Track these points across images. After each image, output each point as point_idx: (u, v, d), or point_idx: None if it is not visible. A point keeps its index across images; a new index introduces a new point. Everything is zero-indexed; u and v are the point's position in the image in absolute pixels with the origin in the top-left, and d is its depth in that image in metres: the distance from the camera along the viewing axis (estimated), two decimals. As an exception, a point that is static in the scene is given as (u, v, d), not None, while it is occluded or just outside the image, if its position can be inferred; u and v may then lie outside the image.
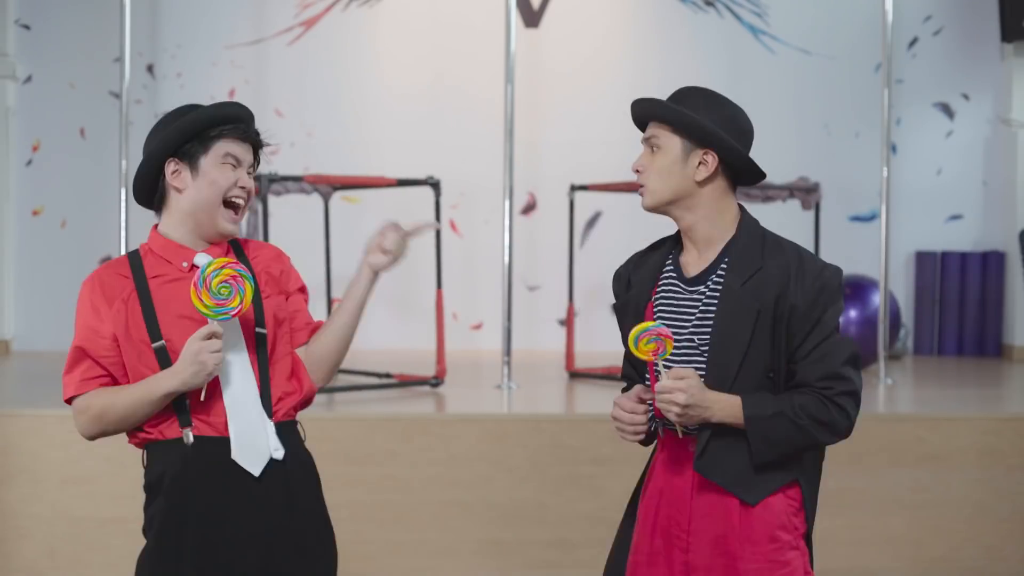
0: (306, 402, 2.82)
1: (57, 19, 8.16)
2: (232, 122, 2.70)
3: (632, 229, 8.48)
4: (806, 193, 6.63)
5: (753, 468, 2.55)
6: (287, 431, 2.72)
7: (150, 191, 2.75)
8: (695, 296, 2.62)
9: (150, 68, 8.17)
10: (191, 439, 2.63)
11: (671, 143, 2.61)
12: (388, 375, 6.33)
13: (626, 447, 2.78)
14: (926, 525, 5.11)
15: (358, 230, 8.72)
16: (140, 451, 2.73)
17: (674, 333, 2.56)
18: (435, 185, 6.45)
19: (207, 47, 8.21)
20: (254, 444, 2.66)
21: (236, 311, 2.57)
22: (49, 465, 5.01)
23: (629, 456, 5.09)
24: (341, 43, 8.29)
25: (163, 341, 2.63)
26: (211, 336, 2.56)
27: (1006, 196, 8.24)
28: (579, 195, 7.04)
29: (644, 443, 2.73)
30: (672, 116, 2.60)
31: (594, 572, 2.70)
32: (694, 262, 2.66)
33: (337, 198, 7.68)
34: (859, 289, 7.37)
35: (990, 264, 8.20)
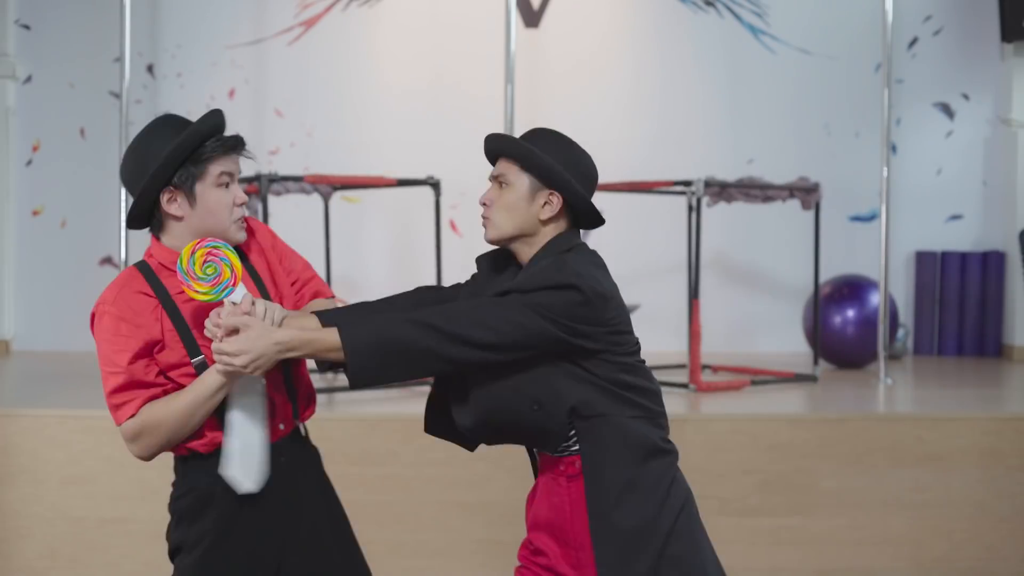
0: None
1: (57, 19, 8.16)
2: (215, 134, 2.64)
3: (632, 229, 8.50)
4: (806, 193, 6.63)
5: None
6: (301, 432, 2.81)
7: (145, 218, 2.69)
8: None
9: (150, 68, 8.17)
10: None
11: (520, 181, 2.69)
12: (388, 375, 6.32)
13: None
14: (926, 525, 5.11)
15: (358, 230, 8.76)
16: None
17: None
18: (435, 185, 6.45)
19: (207, 47, 8.21)
20: (257, 460, 2.64)
21: (234, 279, 2.56)
22: (49, 465, 5.01)
23: (629, 456, 5.10)
24: (341, 43, 8.29)
25: (202, 356, 2.61)
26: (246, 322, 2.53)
27: (1006, 196, 8.24)
28: (579, 195, 7.03)
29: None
30: (524, 155, 2.68)
31: (594, 572, 2.74)
32: None
33: (337, 198, 7.69)
34: (858, 289, 7.37)
35: (990, 264, 8.20)
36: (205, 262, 2.55)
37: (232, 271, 2.55)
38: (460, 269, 8.05)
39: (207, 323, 2.54)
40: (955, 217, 8.42)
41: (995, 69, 8.34)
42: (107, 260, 8.01)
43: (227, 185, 2.65)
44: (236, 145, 2.66)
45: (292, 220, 7.38)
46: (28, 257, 8.14)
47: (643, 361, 2.69)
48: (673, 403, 5.21)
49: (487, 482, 5.03)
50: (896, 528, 5.10)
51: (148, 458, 2.65)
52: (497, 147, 2.74)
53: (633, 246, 8.09)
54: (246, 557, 2.65)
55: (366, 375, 2.51)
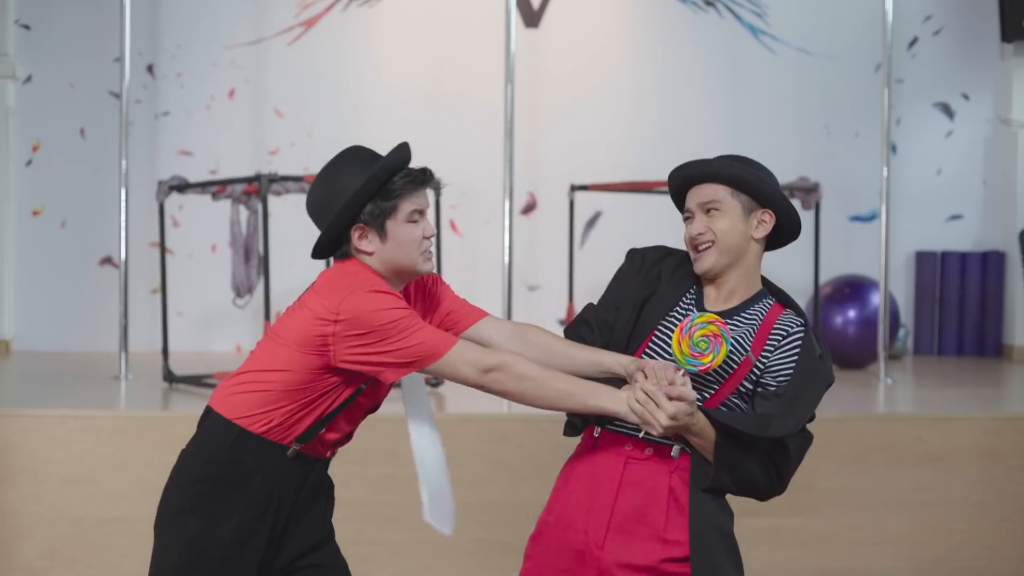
0: None
1: (57, 19, 8.16)
2: (403, 168, 2.61)
3: (632, 229, 8.49)
4: (806, 193, 6.63)
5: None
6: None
7: (332, 249, 2.68)
8: None
9: (150, 68, 8.17)
10: (295, 453, 2.65)
11: (732, 204, 2.63)
12: (388, 375, 6.31)
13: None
14: (926, 525, 5.11)
15: (358, 230, 8.71)
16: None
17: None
18: (435, 185, 6.45)
19: (207, 47, 8.20)
20: (445, 505, 2.74)
21: (703, 367, 2.57)
22: (49, 465, 5.01)
23: (629, 456, 5.10)
24: (341, 43, 8.28)
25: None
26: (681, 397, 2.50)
27: (1006, 196, 8.24)
28: (579, 195, 7.04)
29: (571, 430, 2.80)
30: (744, 176, 2.61)
31: (594, 572, 2.75)
32: (714, 299, 2.70)
33: (337, 198, 7.68)
34: (859, 289, 7.37)
35: (990, 264, 8.20)
36: (705, 336, 2.57)
37: (710, 363, 2.58)
38: (460, 269, 8.08)
39: (658, 369, 2.53)
40: (955, 217, 8.43)
41: (995, 69, 8.34)
42: (107, 260, 8.01)
43: (418, 222, 2.64)
44: (426, 180, 2.64)
45: (292, 220, 7.36)
46: (28, 257, 8.13)
47: None
48: (673, 403, 5.21)
49: (487, 482, 5.03)
50: (896, 528, 5.10)
51: (492, 389, 2.58)
52: (704, 172, 2.64)
53: (633, 246, 8.07)
54: (252, 544, 2.66)
55: (709, 480, 2.67)
